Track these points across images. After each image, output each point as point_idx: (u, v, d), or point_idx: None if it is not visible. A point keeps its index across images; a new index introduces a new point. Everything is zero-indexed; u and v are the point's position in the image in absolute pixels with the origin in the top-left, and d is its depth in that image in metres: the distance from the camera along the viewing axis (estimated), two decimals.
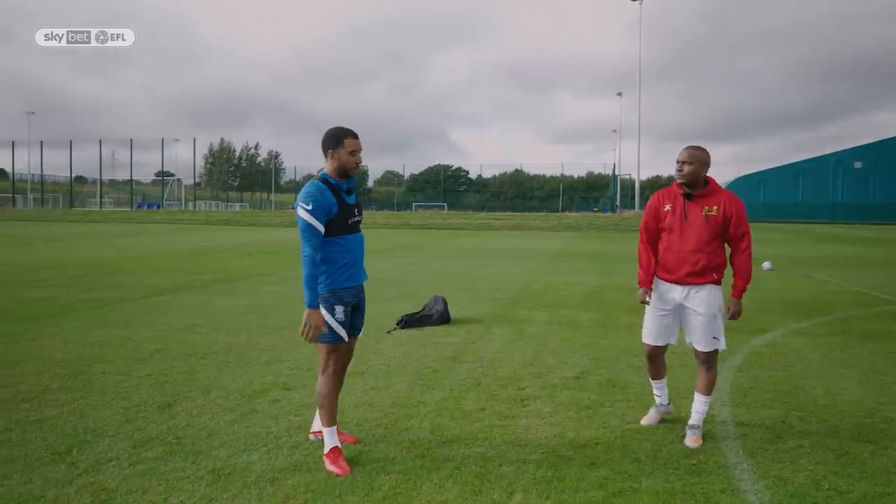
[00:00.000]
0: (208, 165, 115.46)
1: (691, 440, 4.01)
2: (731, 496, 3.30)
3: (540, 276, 13.56)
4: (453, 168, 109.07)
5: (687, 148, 4.08)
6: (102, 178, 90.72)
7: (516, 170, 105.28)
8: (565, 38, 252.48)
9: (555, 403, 4.78)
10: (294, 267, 14.94)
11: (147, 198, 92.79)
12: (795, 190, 66.92)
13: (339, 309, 3.65)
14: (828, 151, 67.73)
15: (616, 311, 9.05)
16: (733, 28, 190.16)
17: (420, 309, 8.15)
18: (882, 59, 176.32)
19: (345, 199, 3.69)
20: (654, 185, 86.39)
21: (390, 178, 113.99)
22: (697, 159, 4.03)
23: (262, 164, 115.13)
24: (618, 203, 75.16)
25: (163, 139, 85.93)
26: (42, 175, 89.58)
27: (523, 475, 3.49)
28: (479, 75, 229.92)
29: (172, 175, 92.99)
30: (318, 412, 3.77)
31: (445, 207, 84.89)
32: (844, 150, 67.08)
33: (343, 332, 3.68)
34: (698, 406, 4.15)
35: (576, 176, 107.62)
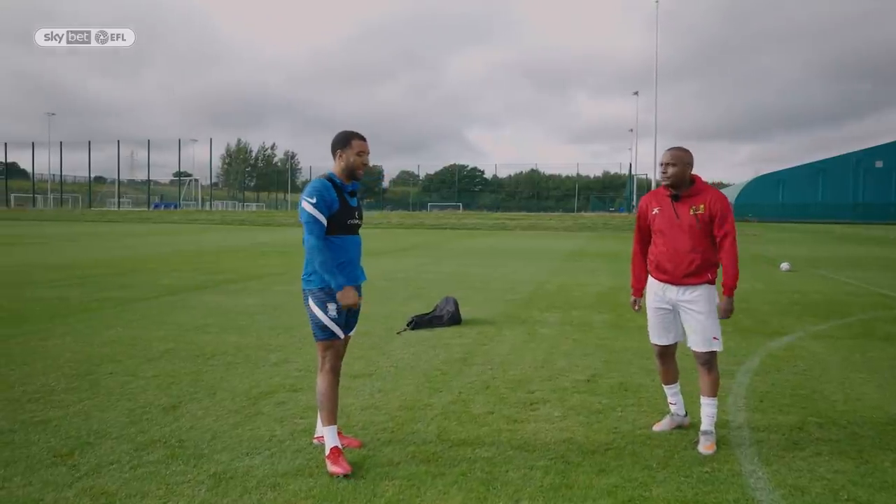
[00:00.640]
0: (225, 166, 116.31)
1: (704, 446, 3.90)
2: None
3: (553, 277, 13.43)
4: (468, 168, 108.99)
5: (669, 150, 4.10)
6: (122, 178, 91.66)
7: (532, 170, 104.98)
8: (582, 37, 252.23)
9: (565, 407, 4.68)
10: None
11: (165, 198, 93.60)
12: (815, 190, 66.06)
13: (332, 306, 3.65)
14: (848, 151, 66.90)
15: (629, 312, 8.90)
16: (753, 26, 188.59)
17: (431, 310, 8.07)
18: None
19: (347, 199, 3.71)
20: None
21: (406, 178, 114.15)
22: (680, 160, 4.03)
23: (279, 164, 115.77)
24: (634, 203, 74.61)
25: (179, 139, 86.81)
26: (62, 175, 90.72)
27: (530, 482, 3.40)
28: (495, 75, 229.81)
29: (190, 175, 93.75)
30: (319, 414, 3.71)
31: (461, 207, 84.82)
32: (864, 150, 66.13)
33: (338, 330, 3.69)
34: (707, 409, 4.06)
35: (592, 176, 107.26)
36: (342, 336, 3.73)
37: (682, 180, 4.03)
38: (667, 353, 4.29)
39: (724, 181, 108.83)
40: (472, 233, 35.84)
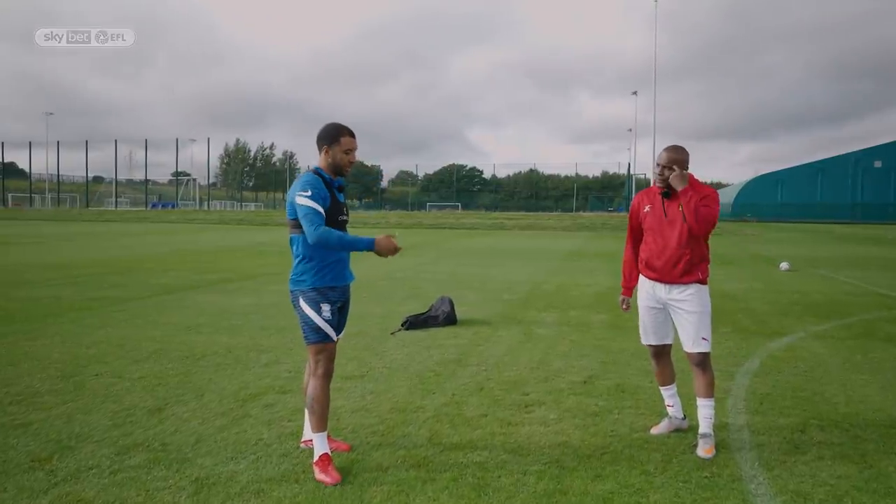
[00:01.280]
0: (223, 165, 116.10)
1: (703, 450, 3.79)
2: None
3: (551, 277, 13.32)
4: (467, 168, 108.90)
5: (667, 151, 4.00)
6: (120, 178, 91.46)
7: (531, 169, 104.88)
8: (584, 36, 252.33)
9: (560, 410, 4.57)
10: None
11: (163, 197, 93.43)
12: (814, 190, 65.94)
13: (326, 308, 3.52)
14: (848, 151, 66.76)
15: (628, 312, 8.78)
16: (754, 26, 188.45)
17: (426, 310, 7.95)
18: None
19: (336, 195, 3.57)
20: None
21: (404, 177, 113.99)
22: (678, 164, 3.94)
23: (277, 164, 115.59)
24: None
25: (177, 139, 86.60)
26: (59, 175, 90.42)
27: (523, 488, 3.29)
28: (497, 74, 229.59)
29: (188, 175, 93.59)
30: (307, 418, 3.59)
31: (459, 207, 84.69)
32: (863, 150, 66.03)
33: (331, 331, 3.54)
34: (704, 411, 3.97)
35: (590, 176, 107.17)
36: (335, 338, 3.59)
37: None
38: (661, 354, 4.21)
39: (723, 181, 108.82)
40: (470, 232, 35.72)
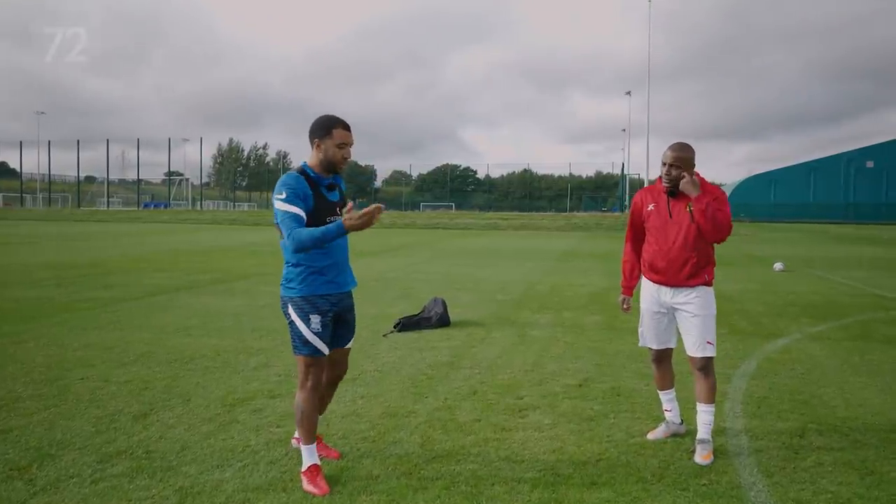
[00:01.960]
0: (217, 165, 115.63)
1: (701, 456, 3.71)
2: None
3: (545, 277, 13.24)
4: (461, 168, 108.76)
5: (672, 149, 3.82)
6: (113, 178, 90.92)
7: (524, 170, 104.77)
8: (582, 36, 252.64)
9: (555, 414, 4.48)
10: None
11: (156, 197, 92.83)
12: (807, 189, 66.09)
13: (316, 319, 3.27)
14: (846, 151, 66.88)
15: (623, 313, 8.71)
16: (752, 26, 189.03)
17: (419, 311, 7.86)
18: None
19: (324, 194, 3.31)
20: None
21: (398, 177, 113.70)
22: (684, 162, 3.79)
23: (271, 163, 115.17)
24: (626, 203, 74.60)
25: (170, 139, 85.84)
26: (50, 174, 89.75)
27: (517, 497, 3.19)
28: (493, 74, 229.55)
29: (181, 175, 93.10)
30: (297, 430, 3.46)
31: (453, 207, 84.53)
32: (856, 150, 66.21)
33: (321, 345, 3.30)
34: (703, 417, 3.86)
35: (584, 176, 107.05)
36: (326, 352, 3.34)
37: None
38: (662, 358, 4.09)
39: (719, 181, 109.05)
40: (464, 233, 35.63)
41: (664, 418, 4.17)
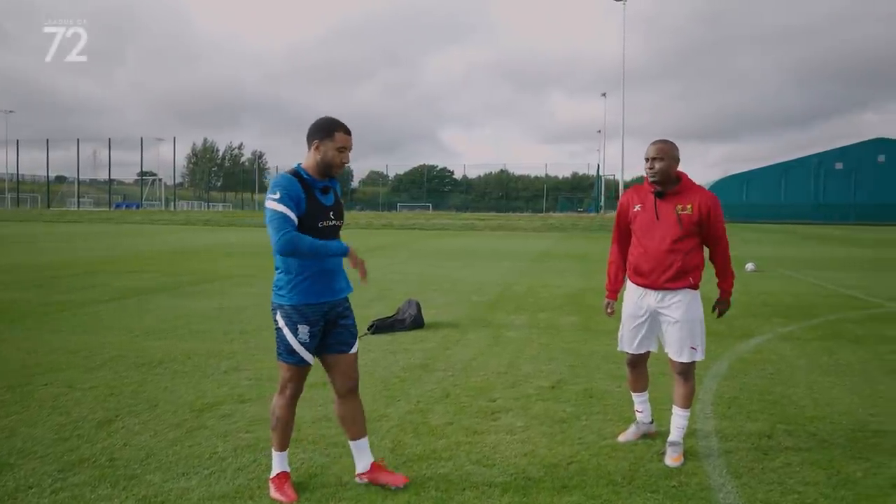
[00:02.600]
0: (191, 165, 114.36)
1: (672, 458, 3.71)
2: None
3: (521, 278, 13.26)
4: (438, 168, 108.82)
5: (655, 143, 3.77)
6: (84, 177, 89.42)
7: (501, 170, 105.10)
8: (562, 38, 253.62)
9: (528, 416, 4.47)
10: (272, 268, 14.53)
11: (128, 198, 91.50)
12: (779, 190, 67.16)
13: (304, 329, 3.16)
14: (817, 152, 68.04)
15: (598, 314, 8.75)
16: (728, 30, 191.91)
17: (393, 313, 7.81)
18: (872, 60, 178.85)
19: (318, 197, 3.18)
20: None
21: (375, 178, 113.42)
22: (667, 154, 3.74)
23: (246, 163, 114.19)
24: (602, 203, 75.18)
25: (142, 138, 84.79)
26: (18, 174, 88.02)
27: (487, 501, 3.17)
28: (472, 74, 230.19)
29: (154, 175, 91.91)
30: (271, 435, 3.37)
31: (430, 208, 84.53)
32: (825, 152, 67.45)
33: (307, 355, 3.21)
34: (678, 421, 3.84)
35: (560, 176, 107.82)
36: (311, 361, 3.25)
37: (668, 176, 3.75)
38: (639, 362, 4.05)
39: (696, 182, 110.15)
40: (440, 233, 35.59)
41: (635, 419, 4.17)
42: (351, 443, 3.42)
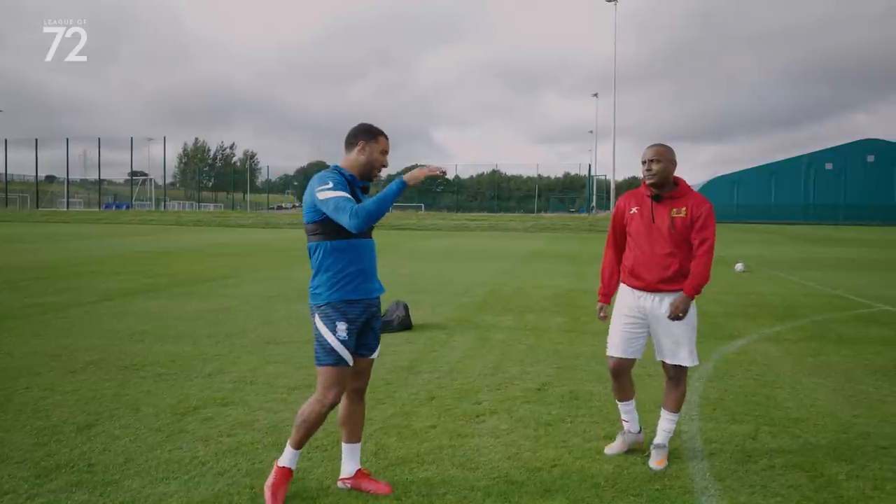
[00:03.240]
0: (182, 165, 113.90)
1: (656, 461, 3.70)
2: None
3: (510, 279, 13.26)
4: None
5: (652, 146, 3.76)
6: (74, 177, 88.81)
7: (493, 170, 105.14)
8: (556, 38, 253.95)
9: (512, 419, 4.45)
10: (261, 268, 14.48)
11: (118, 198, 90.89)
12: (768, 191, 67.52)
13: (342, 326, 3.10)
14: (806, 153, 68.41)
15: (586, 315, 8.75)
16: (719, 31, 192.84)
17: (381, 315, 7.76)
18: (863, 62, 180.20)
19: (359, 196, 3.17)
20: (631, 185, 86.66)
21: None
22: (665, 157, 3.73)
23: (238, 163, 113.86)
24: (593, 204, 75.35)
25: (132, 138, 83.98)
26: (6, 174, 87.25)
27: None
28: (466, 75, 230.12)
29: (145, 175, 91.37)
30: (293, 433, 3.26)
31: (422, 208, 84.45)
32: (815, 152, 67.87)
33: (346, 354, 3.13)
34: (665, 424, 3.82)
35: (552, 177, 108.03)
36: (351, 362, 3.16)
37: (666, 179, 3.73)
38: (623, 368, 3.91)
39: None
40: (432, 234, 35.58)
41: (621, 427, 4.08)
42: (344, 445, 3.39)
